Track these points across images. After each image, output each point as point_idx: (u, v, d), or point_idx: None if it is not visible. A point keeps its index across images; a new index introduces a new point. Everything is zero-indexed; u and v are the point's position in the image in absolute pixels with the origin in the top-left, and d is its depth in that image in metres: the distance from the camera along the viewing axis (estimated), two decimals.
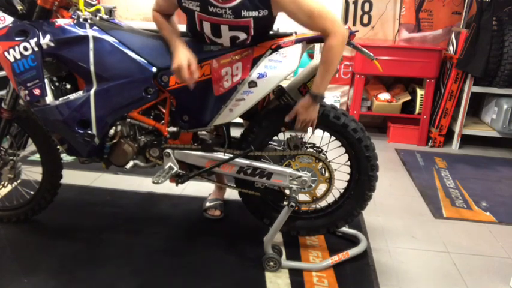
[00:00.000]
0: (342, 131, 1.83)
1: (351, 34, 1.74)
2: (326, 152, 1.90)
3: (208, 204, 2.32)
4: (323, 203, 1.98)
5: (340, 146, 1.90)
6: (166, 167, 1.85)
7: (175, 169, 1.85)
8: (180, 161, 1.86)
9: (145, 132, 1.89)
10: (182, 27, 1.79)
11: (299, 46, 1.71)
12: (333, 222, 1.98)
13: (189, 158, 1.86)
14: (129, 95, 1.76)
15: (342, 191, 2.00)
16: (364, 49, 1.77)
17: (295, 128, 1.79)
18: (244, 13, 1.57)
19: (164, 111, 1.84)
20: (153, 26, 1.82)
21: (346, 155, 1.92)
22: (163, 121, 1.85)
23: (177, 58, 1.64)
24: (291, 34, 1.73)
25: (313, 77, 1.77)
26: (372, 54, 1.77)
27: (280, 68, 1.69)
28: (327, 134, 1.88)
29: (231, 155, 1.82)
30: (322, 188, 1.90)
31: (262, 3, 1.56)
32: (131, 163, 1.89)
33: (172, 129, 1.82)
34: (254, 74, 1.70)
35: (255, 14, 1.58)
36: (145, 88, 1.75)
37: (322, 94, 1.70)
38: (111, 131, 1.86)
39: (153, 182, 1.76)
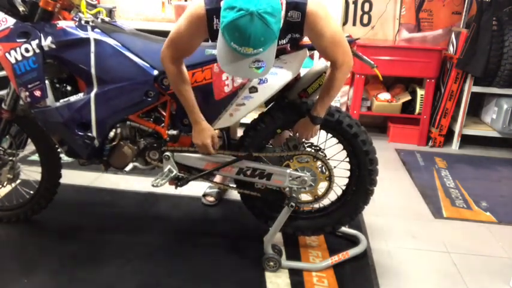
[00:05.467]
0: (337, 128, 1.83)
1: (352, 42, 1.74)
2: (324, 150, 1.91)
3: (207, 190, 2.42)
4: (326, 201, 1.98)
5: (337, 143, 1.91)
6: (166, 169, 1.85)
7: (175, 172, 1.85)
8: (179, 163, 1.87)
9: (145, 135, 1.90)
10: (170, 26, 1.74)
11: (300, 53, 1.72)
12: (337, 220, 1.97)
13: (189, 160, 1.86)
14: (129, 97, 1.76)
15: (343, 187, 2.00)
16: (365, 57, 1.78)
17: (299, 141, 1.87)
18: (280, 42, 1.56)
19: (164, 114, 1.85)
20: (152, 26, 1.82)
21: (345, 151, 1.92)
22: (163, 124, 1.85)
23: (201, 135, 1.72)
24: None
25: (314, 83, 1.79)
26: (373, 63, 1.78)
27: (281, 74, 1.69)
28: (323, 132, 1.88)
29: (230, 157, 1.83)
30: (324, 186, 1.90)
31: (296, 30, 1.55)
32: (131, 165, 1.89)
33: (172, 132, 1.83)
34: (255, 80, 1.69)
35: (289, 37, 1.58)
36: (146, 91, 1.75)
37: (321, 116, 1.74)
38: (111, 133, 1.86)
39: (153, 185, 1.76)
